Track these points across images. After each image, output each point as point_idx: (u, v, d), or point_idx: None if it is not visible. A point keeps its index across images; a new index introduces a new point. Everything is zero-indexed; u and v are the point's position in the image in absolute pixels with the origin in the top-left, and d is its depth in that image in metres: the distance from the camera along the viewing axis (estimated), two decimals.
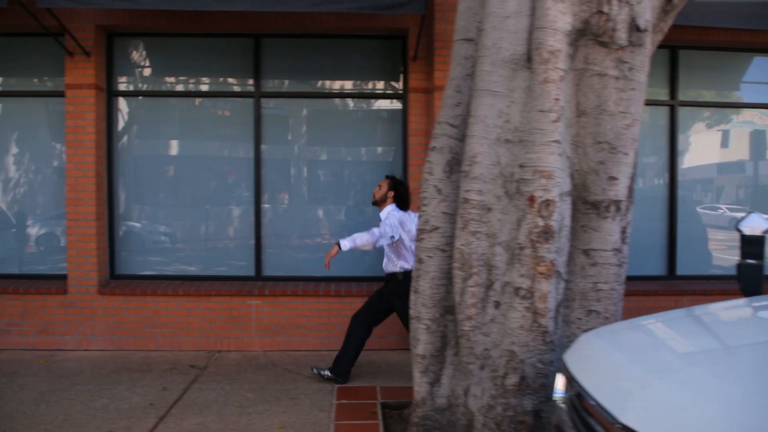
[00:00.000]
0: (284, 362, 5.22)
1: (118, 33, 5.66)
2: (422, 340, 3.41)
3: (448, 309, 3.40)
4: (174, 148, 5.90)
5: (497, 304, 3.11)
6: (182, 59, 5.80)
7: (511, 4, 3.08)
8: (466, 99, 3.36)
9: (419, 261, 3.44)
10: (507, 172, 3.10)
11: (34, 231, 5.91)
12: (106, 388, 4.56)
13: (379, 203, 4.60)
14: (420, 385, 3.43)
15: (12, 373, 4.94)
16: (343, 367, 4.54)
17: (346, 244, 4.33)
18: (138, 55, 5.79)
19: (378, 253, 5.35)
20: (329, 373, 4.57)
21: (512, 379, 2.97)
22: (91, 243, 5.48)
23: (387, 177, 4.63)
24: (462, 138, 3.32)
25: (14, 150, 5.87)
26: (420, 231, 3.45)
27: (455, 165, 3.37)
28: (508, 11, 3.08)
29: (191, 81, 5.84)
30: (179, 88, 5.85)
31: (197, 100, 5.85)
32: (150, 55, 5.84)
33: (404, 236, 4.44)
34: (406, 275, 4.37)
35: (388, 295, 4.54)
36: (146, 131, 5.87)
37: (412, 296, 3.48)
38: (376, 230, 4.43)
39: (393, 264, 4.52)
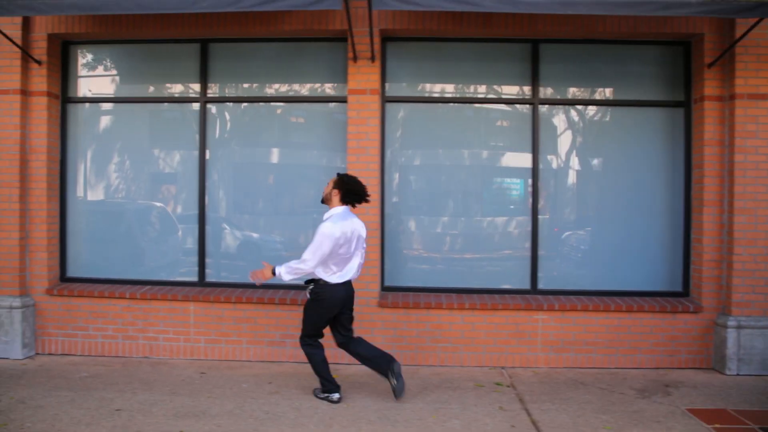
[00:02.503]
0: (585, 380, 4.99)
1: (396, 38, 5.49)
2: None
3: None
4: (440, 156, 5.71)
5: None
6: (448, 64, 5.61)
7: None
8: None
9: None
10: None
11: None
12: (437, 406, 4.37)
13: (326, 202, 4.34)
14: None
15: (305, 387, 4.75)
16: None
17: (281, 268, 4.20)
18: (413, 60, 5.62)
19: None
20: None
21: None
22: (373, 254, 5.30)
23: (336, 176, 4.34)
24: None
25: (295, 156, 5.74)
26: None
27: None
28: None
29: (465, 87, 5.65)
30: (453, 93, 5.67)
31: (471, 107, 5.66)
32: (424, 59, 5.64)
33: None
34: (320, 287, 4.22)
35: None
36: (416, 138, 5.69)
37: None
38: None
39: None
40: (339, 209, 4.24)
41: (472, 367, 5.29)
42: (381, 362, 4.34)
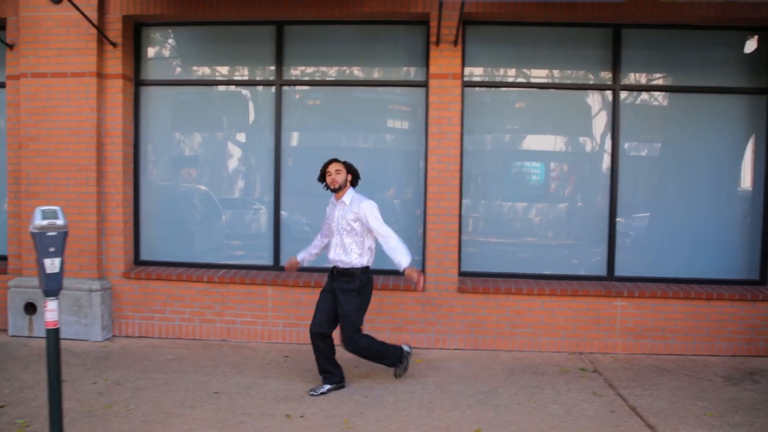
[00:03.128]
0: (667, 366, 5.03)
1: (476, 22, 5.42)
2: None
3: None
4: (517, 141, 5.67)
5: None
6: (526, 49, 5.55)
7: None
8: None
9: None
10: None
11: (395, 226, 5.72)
12: (530, 391, 4.41)
13: (341, 188, 4.19)
14: None
15: (407, 373, 4.79)
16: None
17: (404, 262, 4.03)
18: (492, 44, 5.55)
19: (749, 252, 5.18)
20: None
21: None
22: (453, 239, 5.30)
23: (334, 161, 4.19)
24: None
25: (373, 140, 5.70)
26: None
27: None
28: None
29: (543, 72, 5.60)
30: (531, 78, 5.62)
31: (549, 92, 5.60)
32: (503, 43, 5.57)
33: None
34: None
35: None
36: (494, 123, 5.64)
37: None
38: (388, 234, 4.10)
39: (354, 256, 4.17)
40: (352, 190, 4.24)
41: (550, 352, 5.32)
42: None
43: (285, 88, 5.59)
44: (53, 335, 3.26)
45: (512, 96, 5.58)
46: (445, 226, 5.27)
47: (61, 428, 3.17)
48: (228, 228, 5.85)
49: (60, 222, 3.26)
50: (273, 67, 5.60)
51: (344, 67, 5.65)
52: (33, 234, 3.21)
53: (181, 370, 4.76)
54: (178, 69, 5.81)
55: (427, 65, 5.44)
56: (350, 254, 4.12)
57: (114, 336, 5.65)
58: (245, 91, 5.74)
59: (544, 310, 5.28)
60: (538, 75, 5.58)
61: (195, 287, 5.47)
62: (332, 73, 5.67)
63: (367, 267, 4.18)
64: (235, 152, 5.82)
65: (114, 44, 5.43)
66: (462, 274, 5.52)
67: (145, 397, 4.18)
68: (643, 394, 4.38)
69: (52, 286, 3.28)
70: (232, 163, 5.83)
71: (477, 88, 5.53)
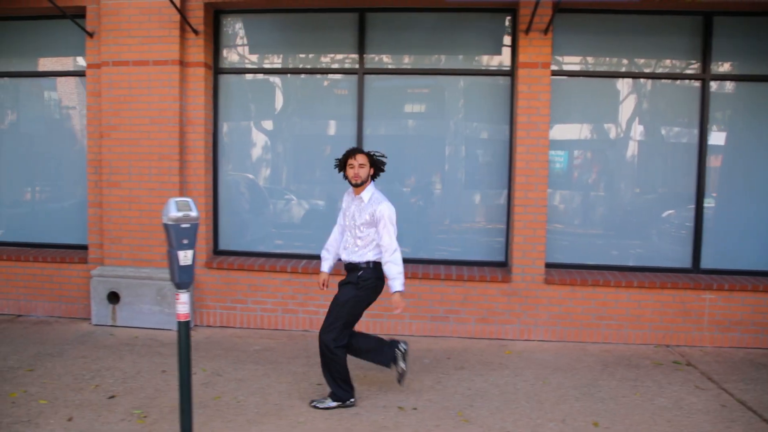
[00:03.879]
0: (761, 360, 4.99)
1: (565, 10, 5.32)
2: None
3: None
4: (601, 131, 5.59)
5: None
6: (614, 37, 5.45)
7: None
8: None
9: None
10: None
11: (477, 217, 5.69)
12: (631, 384, 4.38)
13: (363, 183, 3.76)
14: None
15: (486, 363, 4.79)
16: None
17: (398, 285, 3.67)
18: (580, 33, 5.46)
19: None
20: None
21: None
22: (540, 230, 5.26)
23: (355, 152, 3.74)
24: None
25: (459, 132, 5.64)
26: None
27: None
28: None
29: (631, 61, 5.50)
30: (618, 68, 5.53)
31: (637, 81, 5.51)
32: (590, 32, 5.46)
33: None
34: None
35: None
36: (580, 113, 5.57)
37: None
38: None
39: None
40: (373, 186, 3.84)
41: (637, 344, 5.29)
42: (386, 351, 3.91)
43: (367, 76, 5.52)
44: (184, 327, 3.25)
45: (599, 85, 5.49)
46: (532, 217, 5.23)
47: (191, 421, 3.17)
48: (303, 218, 5.82)
49: (193, 213, 3.23)
50: (355, 55, 5.54)
51: (427, 56, 5.58)
52: (167, 226, 3.18)
53: (274, 361, 4.76)
54: (257, 57, 5.75)
55: (513, 54, 5.36)
56: (359, 251, 3.79)
57: (196, 326, 5.65)
58: (326, 80, 5.68)
59: (630, 302, 5.24)
60: (626, 64, 5.48)
61: (278, 278, 5.46)
62: (414, 61, 5.60)
63: (376, 263, 3.76)
64: (315, 141, 5.78)
65: (196, 32, 5.38)
66: (548, 265, 5.48)
67: (249, 389, 4.19)
68: (747, 389, 4.35)
69: (185, 279, 3.26)
70: (312, 153, 5.80)
71: (563, 77, 5.44)
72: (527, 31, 5.11)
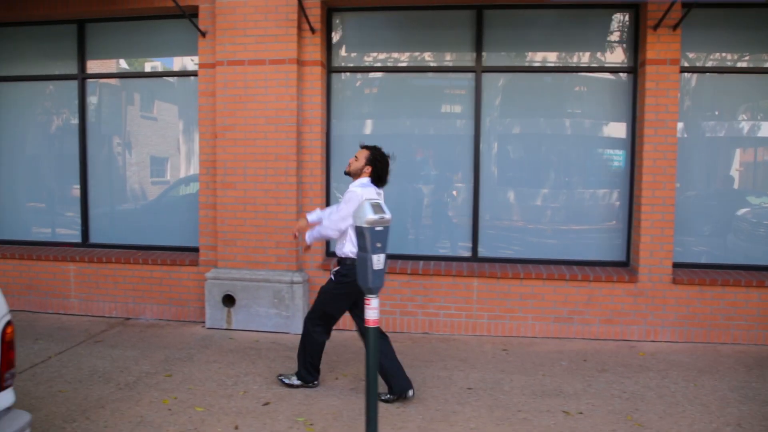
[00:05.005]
0: None
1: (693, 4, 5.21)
2: None
3: None
4: (732, 128, 5.49)
5: None
6: (742, 32, 5.34)
7: None
8: None
9: None
10: None
11: (595, 216, 5.60)
12: None
13: (353, 176, 3.85)
14: None
15: (625, 365, 4.69)
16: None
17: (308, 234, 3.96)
18: (709, 29, 5.35)
19: None
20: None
21: None
22: (668, 229, 5.17)
23: (365, 147, 3.84)
24: None
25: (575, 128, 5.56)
26: None
27: None
28: None
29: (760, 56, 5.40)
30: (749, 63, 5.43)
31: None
32: (715, 27, 5.35)
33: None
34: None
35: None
36: (709, 109, 5.47)
37: None
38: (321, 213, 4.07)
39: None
40: (362, 182, 3.82)
41: (764, 345, 5.19)
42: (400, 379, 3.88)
43: (485, 74, 5.43)
44: (374, 333, 3.18)
45: (726, 81, 5.38)
46: (659, 216, 5.13)
47: (376, 427, 3.08)
48: (416, 218, 5.74)
49: (387, 216, 3.16)
50: (473, 54, 5.45)
51: (545, 53, 5.48)
52: (362, 229, 3.11)
53: (410, 365, 4.67)
54: (370, 55, 5.67)
55: (635, 50, 5.26)
56: (338, 243, 3.85)
57: None
58: (442, 78, 5.60)
59: (761, 302, 5.14)
60: (752, 59, 5.37)
61: (397, 279, 5.39)
62: (533, 59, 5.51)
63: (354, 260, 3.51)
64: (431, 141, 5.70)
65: (313, 30, 5.30)
66: (675, 265, 5.38)
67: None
68: None
69: (377, 283, 3.18)
70: (427, 152, 5.71)
71: (686, 74, 5.34)
72: (655, 27, 5.01)
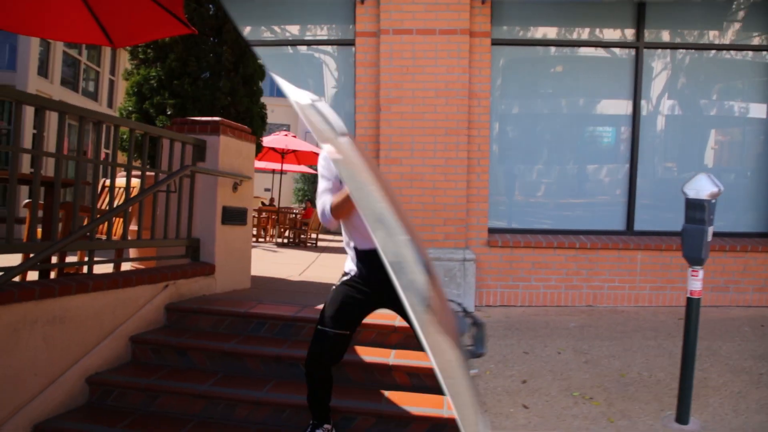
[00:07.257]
0: None
1: None
2: None
3: None
4: None
5: None
6: None
7: None
8: None
9: None
10: None
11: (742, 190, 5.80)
12: None
13: None
14: None
15: None
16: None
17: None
18: None
19: None
20: None
21: None
22: None
23: None
24: None
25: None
26: None
27: None
28: None
29: None
30: None
31: None
32: None
33: None
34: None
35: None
36: None
37: None
38: None
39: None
40: None
41: None
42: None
43: (645, 50, 5.48)
44: (696, 304, 3.25)
45: None
46: None
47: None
48: (575, 194, 5.76)
49: (722, 188, 3.19)
50: (633, 29, 5.47)
51: (705, 30, 5.57)
52: (703, 202, 3.13)
53: (612, 338, 4.72)
54: (530, 29, 5.56)
55: None
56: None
57: (476, 306, 5.50)
58: (602, 53, 5.59)
59: None
60: None
61: (563, 254, 5.40)
62: (691, 36, 5.60)
63: (360, 252, 2.52)
64: (589, 117, 5.70)
65: (483, 0, 5.13)
66: None
67: (628, 362, 4.15)
68: None
69: (706, 255, 3.22)
70: (584, 128, 5.71)
71: None
72: None
